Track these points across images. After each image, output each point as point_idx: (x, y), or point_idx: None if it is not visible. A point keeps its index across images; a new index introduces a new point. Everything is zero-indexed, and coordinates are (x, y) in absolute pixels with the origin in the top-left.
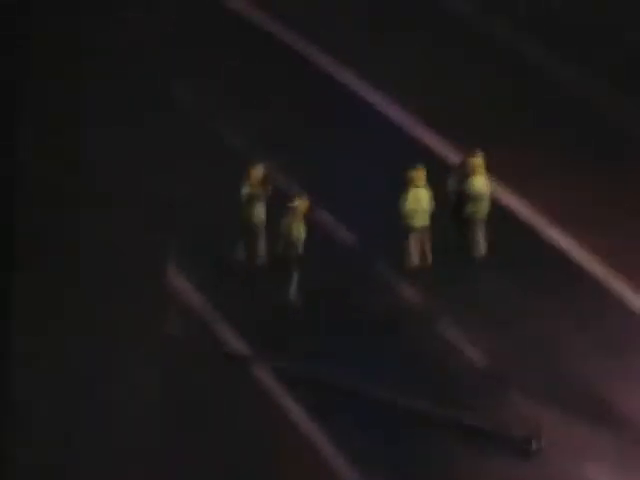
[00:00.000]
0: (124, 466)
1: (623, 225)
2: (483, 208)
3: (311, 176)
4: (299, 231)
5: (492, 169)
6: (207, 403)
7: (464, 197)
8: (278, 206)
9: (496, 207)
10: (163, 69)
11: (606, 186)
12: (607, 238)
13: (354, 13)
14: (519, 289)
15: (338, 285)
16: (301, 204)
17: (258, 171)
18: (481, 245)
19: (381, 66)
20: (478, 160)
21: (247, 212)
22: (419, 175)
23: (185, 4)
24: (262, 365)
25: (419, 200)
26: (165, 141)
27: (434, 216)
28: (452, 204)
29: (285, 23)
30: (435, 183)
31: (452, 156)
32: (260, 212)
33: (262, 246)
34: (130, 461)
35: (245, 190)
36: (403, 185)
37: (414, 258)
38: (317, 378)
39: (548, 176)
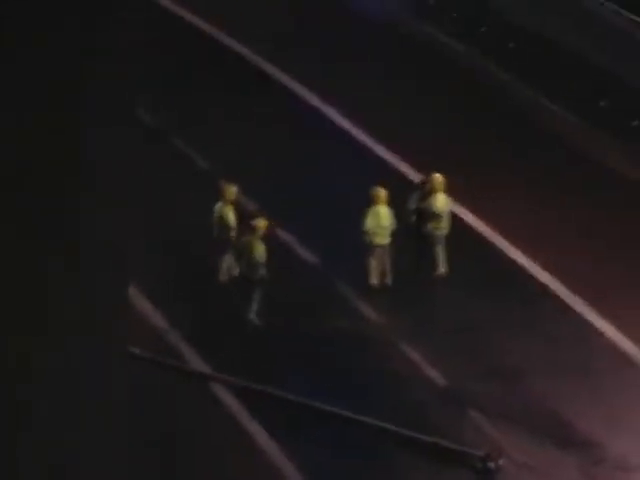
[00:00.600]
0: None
1: (585, 244)
2: (443, 226)
3: (272, 194)
4: (259, 250)
5: (453, 188)
6: (167, 421)
7: (425, 215)
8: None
9: (456, 226)
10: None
11: (567, 205)
12: (569, 257)
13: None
14: (480, 308)
15: (300, 304)
16: (261, 223)
17: (232, 188)
18: (441, 263)
19: (343, 85)
20: (439, 178)
21: (220, 228)
22: (380, 193)
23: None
24: (222, 384)
25: (380, 218)
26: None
27: (395, 234)
28: (413, 222)
29: (246, 41)
30: (396, 201)
31: (413, 174)
32: (232, 227)
33: (230, 263)
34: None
35: (218, 206)
36: (366, 204)
37: (375, 277)
38: (278, 397)
39: (508, 195)
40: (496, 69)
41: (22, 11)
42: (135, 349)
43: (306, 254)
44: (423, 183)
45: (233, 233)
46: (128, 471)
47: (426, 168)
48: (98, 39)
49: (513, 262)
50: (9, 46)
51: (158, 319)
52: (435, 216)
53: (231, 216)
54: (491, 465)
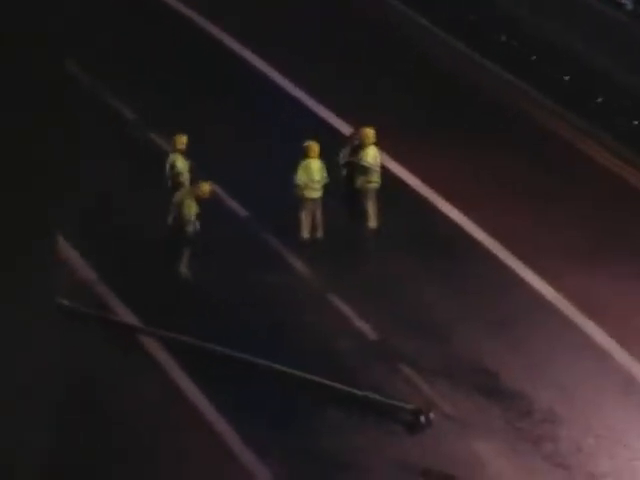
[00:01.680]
0: (13, 435)
1: (519, 202)
2: (374, 180)
3: (206, 148)
4: (191, 207)
5: (383, 141)
6: (96, 374)
7: (355, 169)
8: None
9: (388, 180)
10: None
11: (502, 164)
12: (502, 214)
13: None
14: (409, 262)
15: (230, 257)
16: (205, 187)
17: (182, 137)
18: (372, 217)
19: (279, 41)
20: (369, 132)
21: (172, 177)
22: (312, 147)
23: None
24: (151, 337)
25: (311, 172)
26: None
27: (327, 188)
28: (344, 176)
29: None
30: (328, 155)
31: (344, 128)
32: (182, 173)
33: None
34: (19, 429)
35: (172, 157)
36: (298, 157)
37: (306, 230)
38: (207, 350)
39: (443, 152)
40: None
41: None
42: (64, 301)
43: (237, 207)
44: (354, 137)
45: (185, 179)
46: (56, 426)
47: (359, 123)
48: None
49: (444, 217)
50: None
51: (87, 271)
52: (365, 170)
53: (180, 163)
54: (421, 418)
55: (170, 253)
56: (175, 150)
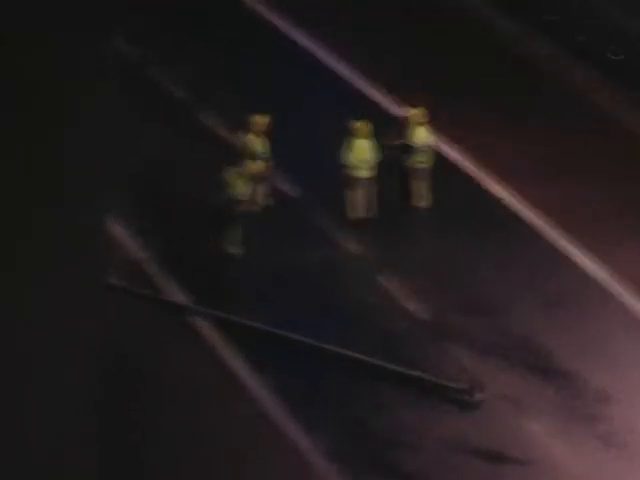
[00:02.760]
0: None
1: (566, 180)
2: (426, 160)
3: None
4: (241, 187)
5: (436, 122)
6: (146, 353)
7: (407, 149)
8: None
9: (440, 159)
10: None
11: (550, 141)
12: (551, 192)
13: None
14: (464, 242)
15: (280, 236)
16: (253, 166)
17: (262, 120)
18: (425, 197)
19: (329, 21)
20: (421, 112)
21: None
22: (363, 127)
23: None
24: (202, 315)
25: (363, 151)
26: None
27: (377, 168)
28: (396, 156)
29: None
30: (379, 135)
31: (396, 108)
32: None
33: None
34: (63, 413)
35: (249, 139)
36: (347, 137)
37: (359, 210)
38: (257, 329)
39: (493, 130)
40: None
41: None
42: (113, 279)
43: (287, 187)
44: (405, 117)
45: (265, 164)
46: (103, 403)
47: (409, 103)
48: None
49: (496, 196)
50: None
51: (136, 250)
52: (416, 150)
53: (260, 146)
54: (472, 398)
55: (220, 232)
56: (253, 131)
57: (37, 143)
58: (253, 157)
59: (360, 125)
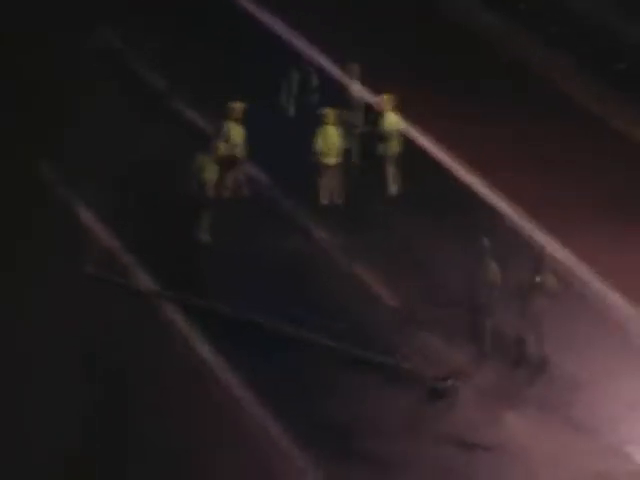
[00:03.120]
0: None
1: (532, 163)
2: (394, 146)
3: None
4: (211, 171)
5: (404, 109)
6: (117, 339)
7: (376, 135)
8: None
9: (408, 146)
10: None
11: (516, 127)
12: (520, 179)
13: None
14: (432, 228)
15: (251, 223)
16: (221, 150)
17: (240, 106)
18: (392, 183)
19: (300, 12)
20: (389, 99)
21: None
22: (329, 114)
23: None
24: (171, 301)
25: (330, 138)
26: None
27: (345, 154)
28: (364, 142)
29: None
30: (347, 121)
31: (365, 95)
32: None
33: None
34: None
35: (227, 126)
36: (318, 124)
37: (325, 196)
38: (227, 315)
39: (462, 119)
40: None
41: None
42: (89, 268)
43: (257, 173)
44: (374, 104)
45: (240, 150)
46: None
47: (379, 90)
48: None
49: (465, 183)
50: None
51: (106, 237)
52: (386, 136)
53: (235, 133)
54: (443, 385)
55: (191, 219)
56: (231, 118)
57: (37, 143)
58: (227, 142)
59: (327, 111)
